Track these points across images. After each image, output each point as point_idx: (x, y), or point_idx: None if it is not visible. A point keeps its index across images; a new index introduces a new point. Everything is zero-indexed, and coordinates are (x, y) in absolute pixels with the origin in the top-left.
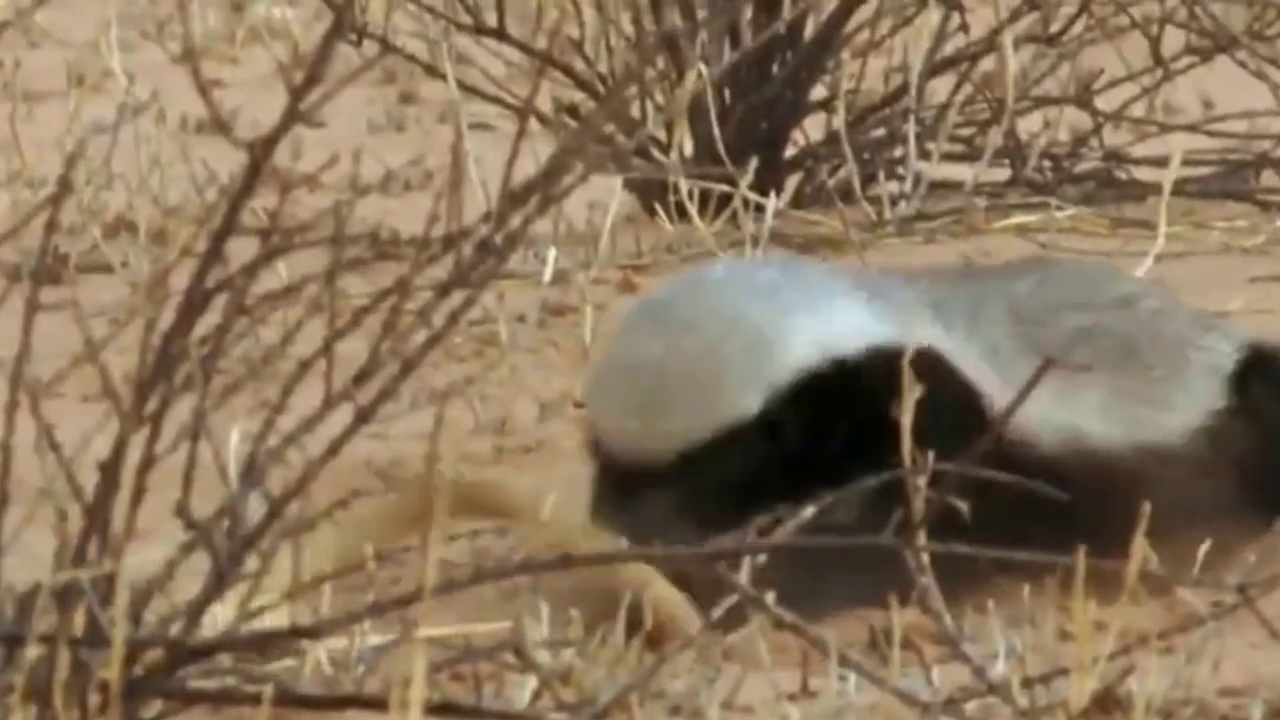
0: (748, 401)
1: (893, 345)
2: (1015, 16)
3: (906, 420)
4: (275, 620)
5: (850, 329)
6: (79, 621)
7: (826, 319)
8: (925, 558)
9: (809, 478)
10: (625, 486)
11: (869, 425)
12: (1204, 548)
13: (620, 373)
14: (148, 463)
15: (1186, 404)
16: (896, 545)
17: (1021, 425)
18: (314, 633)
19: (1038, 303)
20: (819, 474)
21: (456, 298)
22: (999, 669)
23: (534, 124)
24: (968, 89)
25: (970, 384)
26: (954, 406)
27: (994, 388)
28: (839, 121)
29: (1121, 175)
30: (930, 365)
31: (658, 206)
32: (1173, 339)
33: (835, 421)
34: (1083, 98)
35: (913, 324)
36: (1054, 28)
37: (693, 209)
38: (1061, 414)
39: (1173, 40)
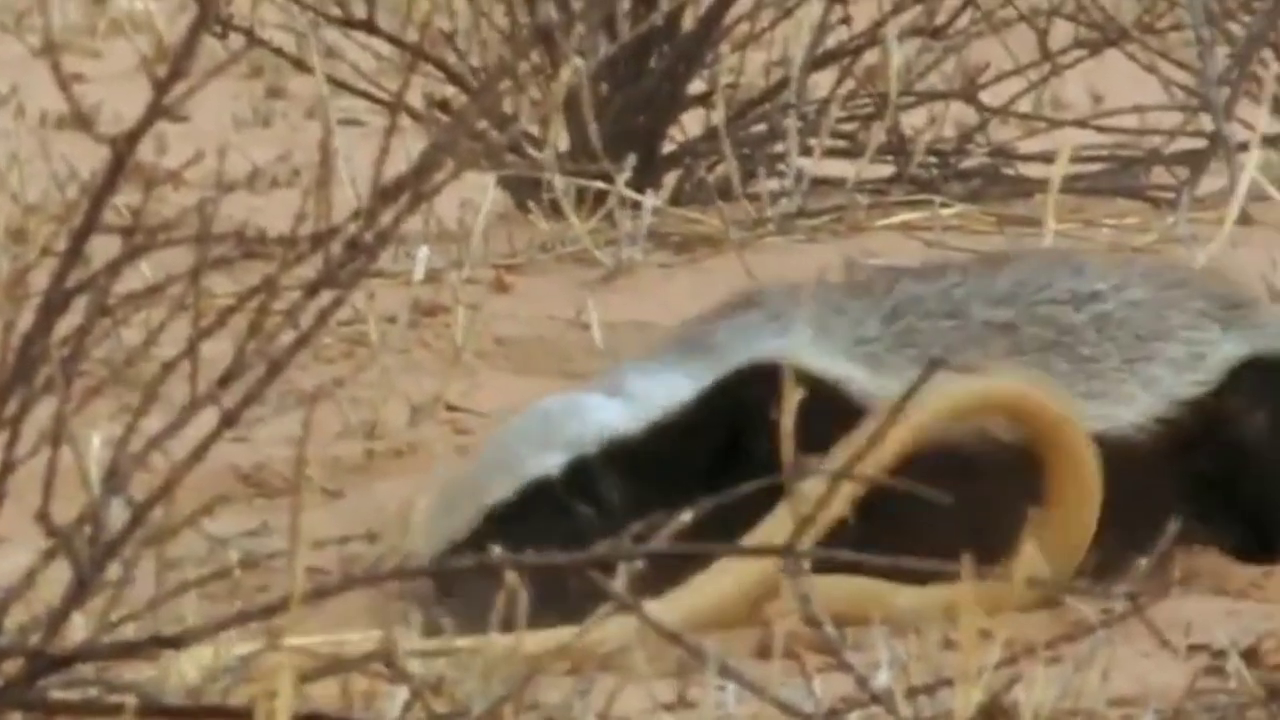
0: (548, 461)
1: (707, 391)
2: (899, 9)
3: (788, 423)
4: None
5: (664, 391)
6: None
7: (634, 392)
8: (806, 565)
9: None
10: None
11: (697, 479)
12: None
13: (432, 499)
14: (7, 467)
15: (1142, 396)
16: (777, 552)
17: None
18: (179, 642)
19: (940, 301)
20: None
21: (325, 297)
22: (882, 678)
23: (405, 119)
24: (850, 83)
25: (835, 386)
26: (821, 412)
27: (862, 387)
28: (718, 117)
29: (1009, 172)
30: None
31: (531, 204)
32: (1142, 331)
33: (657, 479)
34: (968, 92)
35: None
36: (939, 20)
37: (568, 207)
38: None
39: (1061, 33)
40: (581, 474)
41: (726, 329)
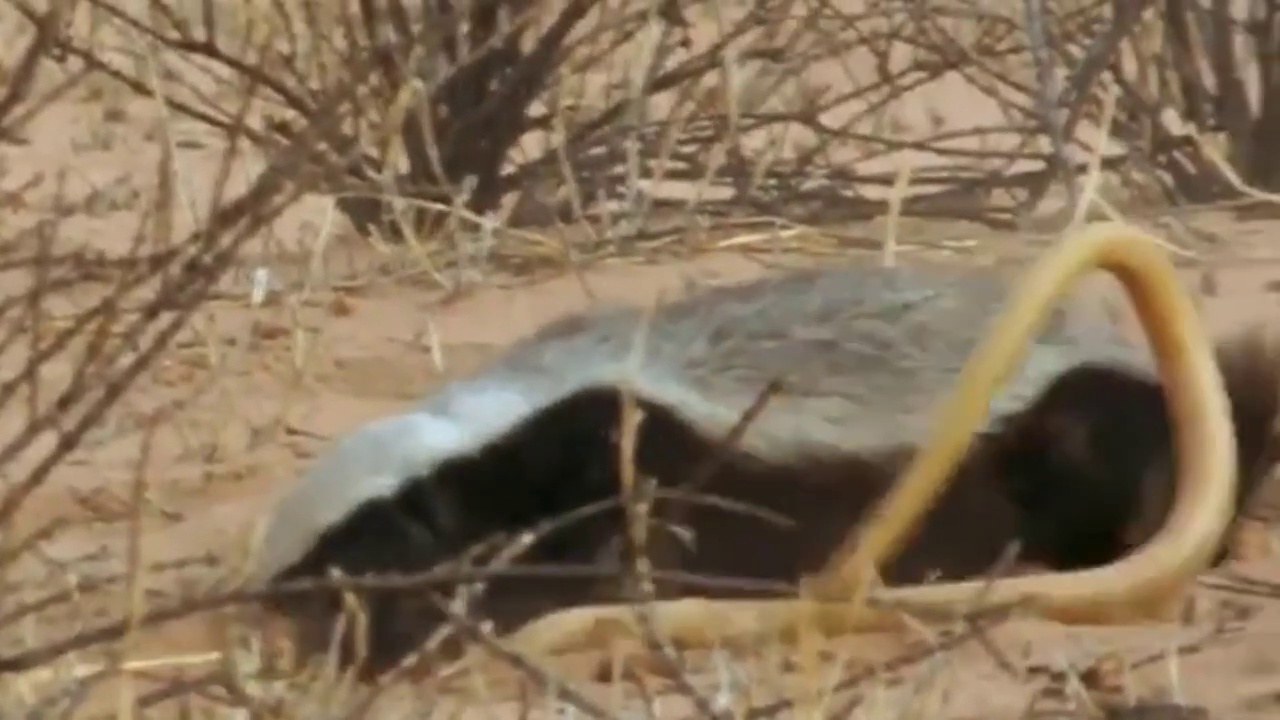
0: (381, 481)
1: (541, 415)
2: (739, 31)
3: (628, 446)
4: None
5: (496, 414)
6: None
7: (464, 413)
8: (648, 586)
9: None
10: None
11: (530, 502)
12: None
13: (267, 524)
14: None
15: None
16: (616, 574)
17: (743, 442)
18: (17, 664)
19: (760, 321)
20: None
21: (165, 320)
22: (722, 701)
23: (244, 142)
24: (690, 106)
25: (668, 411)
26: (655, 438)
27: (694, 412)
28: (558, 139)
29: (848, 194)
30: (607, 409)
31: (371, 227)
32: (958, 341)
33: (490, 501)
34: (808, 114)
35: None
36: (779, 43)
37: (407, 229)
38: (784, 426)
39: (900, 56)
40: (414, 495)
41: (557, 351)
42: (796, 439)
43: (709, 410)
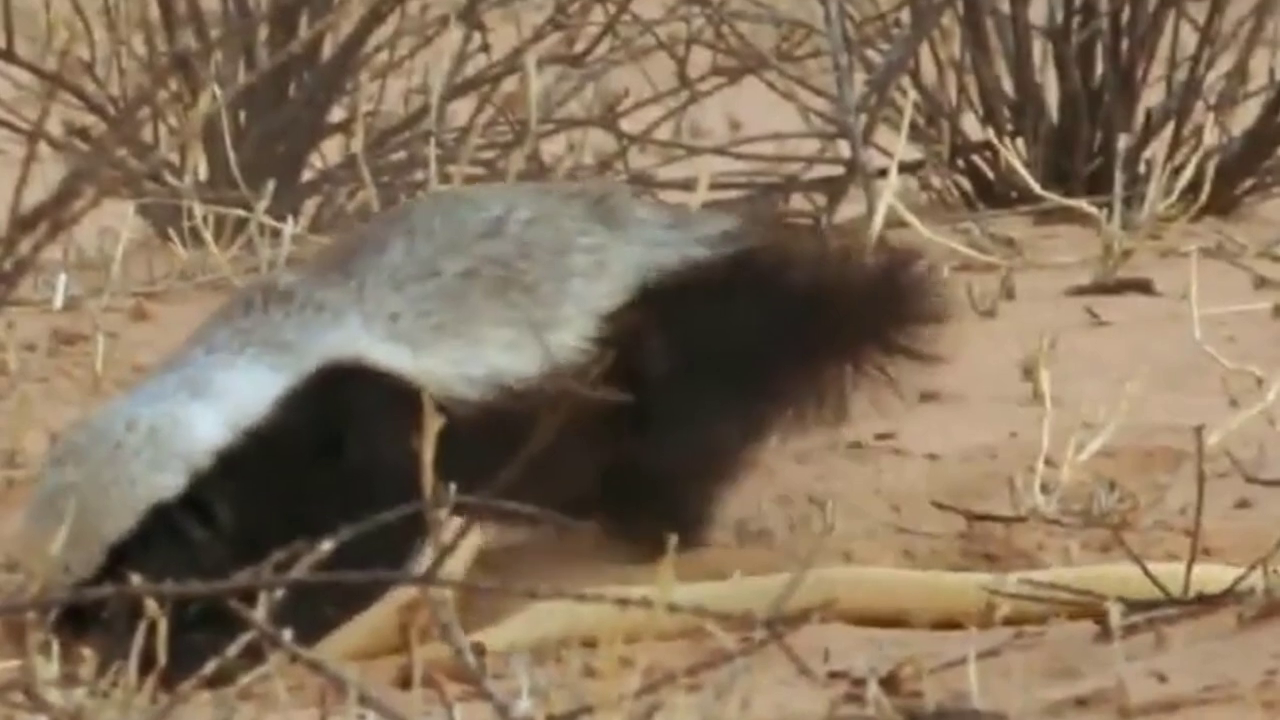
0: (163, 481)
1: (302, 391)
2: (539, 36)
3: (428, 453)
4: None
5: (253, 396)
6: None
7: (225, 396)
8: (448, 592)
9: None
10: (76, 615)
11: (298, 484)
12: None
13: (35, 518)
14: None
15: (575, 317)
16: (417, 580)
17: (444, 386)
18: None
19: (415, 263)
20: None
21: None
22: (523, 706)
23: (44, 148)
24: (490, 111)
25: (400, 376)
26: (392, 403)
27: (412, 371)
28: (358, 144)
29: (649, 198)
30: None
31: (171, 232)
32: (550, 247)
33: (262, 491)
34: (608, 119)
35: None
36: (578, 48)
37: (208, 235)
38: (475, 363)
39: (699, 61)
40: (197, 494)
41: (289, 324)
42: (488, 374)
43: (422, 367)
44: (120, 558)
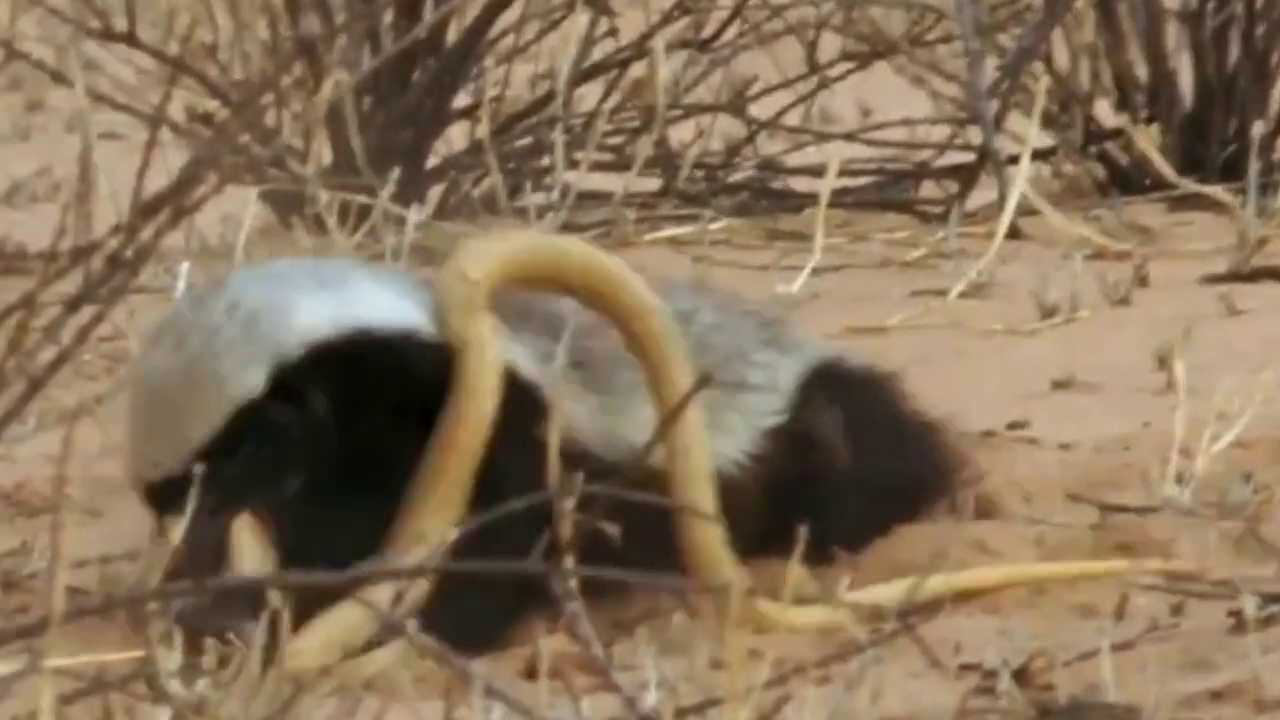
0: (249, 378)
1: (429, 333)
2: (666, 21)
3: (554, 442)
4: None
5: (377, 310)
6: None
7: (339, 298)
8: (574, 583)
9: (346, 451)
10: (163, 500)
11: (409, 406)
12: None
13: (132, 395)
14: None
15: (740, 428)
16: (543, 570)
17: (585, 436)
18: None
19: (587, 314)
20: (359, 448)
21: (86, 314)
22: (651, 699)
23: (166, 133)
24: (617, 96)
25: (538, 394)
26: (521, 416)
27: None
28: (483, 130)
29: (777, 185)
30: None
31: (295, 219)
32: (727, 354)
33: (368, 395)
34: (736, 105)
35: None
36: (706, 32)
37: (331, 221)
38: (619, 429)
39: (829, 46)
40: (284, 381)
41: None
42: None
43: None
44: (207, 459)
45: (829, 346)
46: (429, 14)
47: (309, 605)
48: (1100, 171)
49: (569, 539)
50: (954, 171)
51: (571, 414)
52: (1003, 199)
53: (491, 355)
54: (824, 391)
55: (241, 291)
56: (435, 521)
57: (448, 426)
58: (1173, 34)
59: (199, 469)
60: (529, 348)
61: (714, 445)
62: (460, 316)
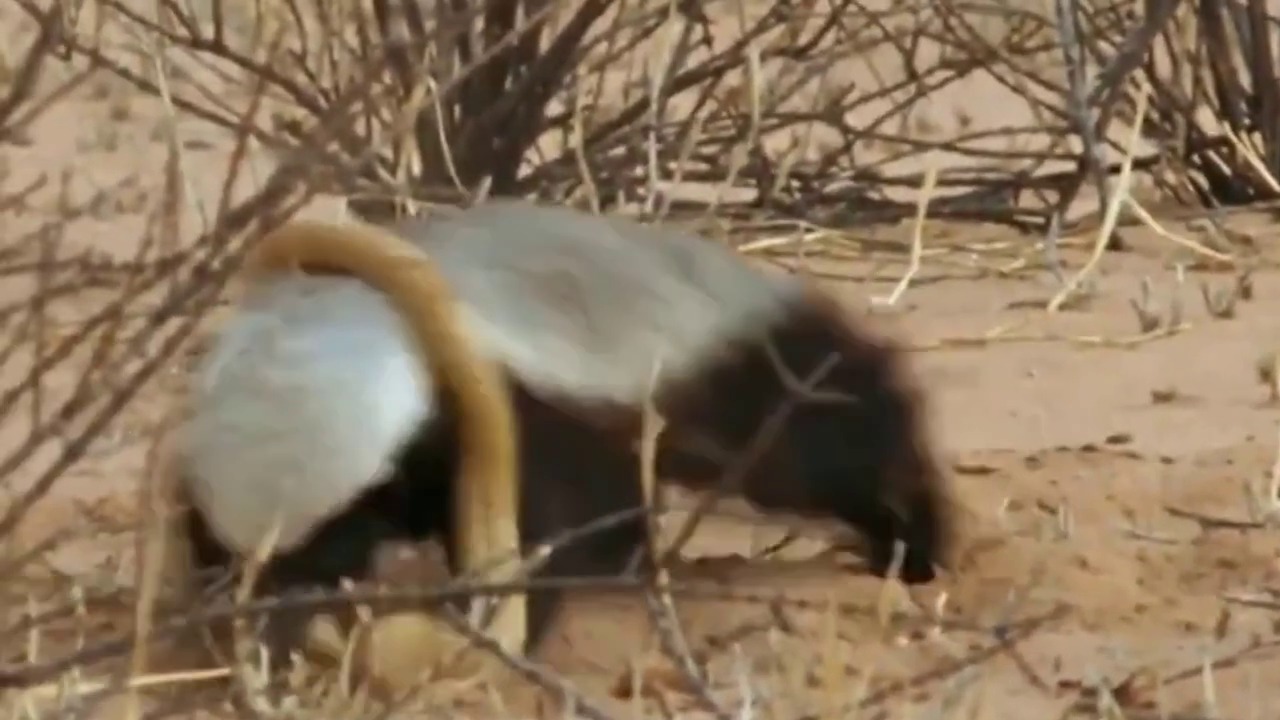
0: (368, 463)
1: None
2: (761, 29)
3: (649, 455)
4: None
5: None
6: None
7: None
8: (668, 599)
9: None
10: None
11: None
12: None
13: (228, 445)
14: None
15: (639, 359)
16: (637, 586)
17: (564, 390)
18: (21, 680)
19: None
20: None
21: (172, 326)
22: (745, 717)
23: (253, 142)
24: (711, 105)
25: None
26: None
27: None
28: (576, 139)
29: (874, 195)
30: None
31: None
32: (633, 284)
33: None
34: (833, 114)
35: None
36: (802, 40)
37: None
38: (589, 372)
39: (927, 53)
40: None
41: None
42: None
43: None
44: (324, 535)
45: (760, 281)
46: (521, 21)
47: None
48: (1203, 181)
49: (664, 554)
50: (1054, 181)
51: (517, 355)
52: (1104, 209)
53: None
54: (750, 328)
55: (338, 367)
56: (496, 540)
57: (473, 448)
58: (1276, 41)
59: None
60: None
61: (610, 378)
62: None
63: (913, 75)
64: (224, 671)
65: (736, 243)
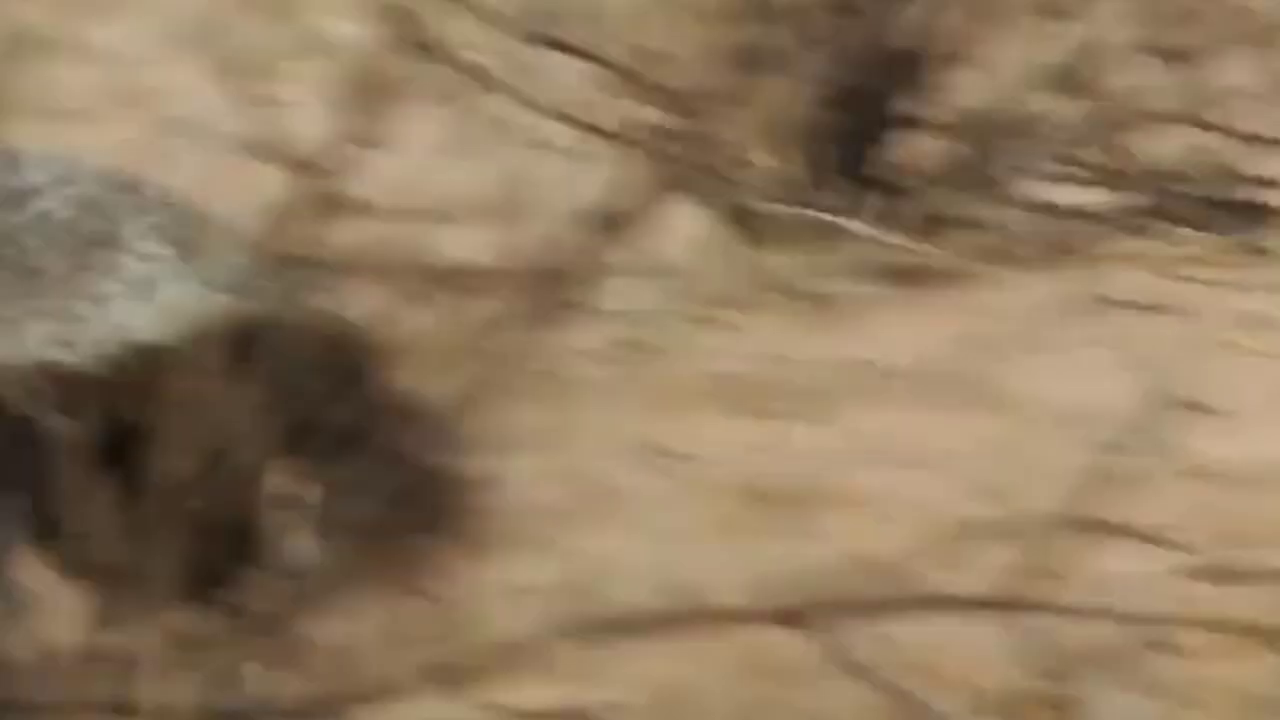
0: None
1: None
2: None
3: None
4: None
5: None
6: None
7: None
8: None
9: None
10: None
11: None
12: None
13: None
14: None
15: (95, 321)
16: None
17: None
18: None
19: None
20: None
21: (530, 334)
22: None
23: (612, 146)
24: (1078, 105)
25: None
26: None
27: None
28: (930, 140)
29: (1255, 199)
30: None
31: (745, 234)
32: (89, 235)
33: None
34: (1208, 115)
35: None
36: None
37: (785, 237)
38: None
39: None
40: None
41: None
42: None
43: None
44: None
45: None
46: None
47: None
48: None
49: None
50: None
51: None
52: None
53: None
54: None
55: None
56: None
57: None
58: None
59: None
60: None
61: (59, 334)
62: None
63: None
64: None
65: (1113, 248)
